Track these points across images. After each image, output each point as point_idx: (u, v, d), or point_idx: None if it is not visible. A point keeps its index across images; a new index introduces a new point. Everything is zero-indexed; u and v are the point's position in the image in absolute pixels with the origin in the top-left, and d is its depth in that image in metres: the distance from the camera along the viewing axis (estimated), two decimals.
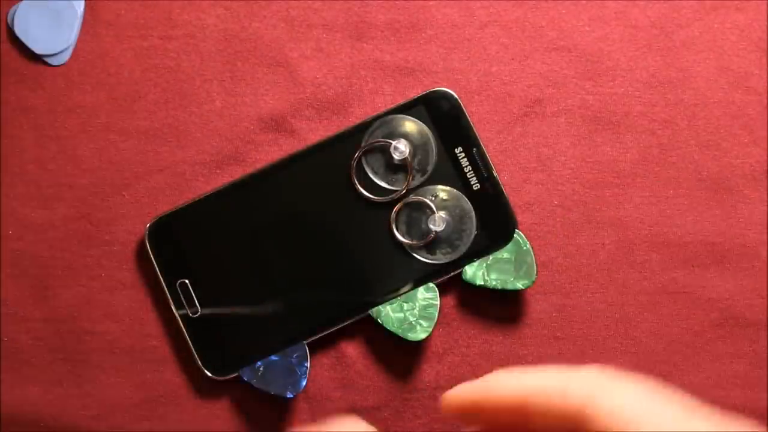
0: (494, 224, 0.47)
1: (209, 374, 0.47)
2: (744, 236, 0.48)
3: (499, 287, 0.47)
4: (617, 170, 0.48)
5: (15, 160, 0.48)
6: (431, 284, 0.47)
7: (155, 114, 0.49)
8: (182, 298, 0.47)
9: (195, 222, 0.48)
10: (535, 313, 0.48)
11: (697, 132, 0.48)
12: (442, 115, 0.47)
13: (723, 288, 0.48)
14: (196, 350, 0.47)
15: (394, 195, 0.47)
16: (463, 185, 0.47)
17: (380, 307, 0.47)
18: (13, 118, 0.49)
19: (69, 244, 0.48)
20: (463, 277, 0.47)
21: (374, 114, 0.48)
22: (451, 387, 0.47)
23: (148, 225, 0.48)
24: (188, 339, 0.47)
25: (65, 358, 0.48)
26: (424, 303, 0.47)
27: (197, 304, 0.47)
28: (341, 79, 0.49)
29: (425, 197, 0.47)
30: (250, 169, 0.48)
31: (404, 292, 0.47)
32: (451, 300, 0.48)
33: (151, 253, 0.47)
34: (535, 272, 0.47)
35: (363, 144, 0.47)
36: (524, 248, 0.47)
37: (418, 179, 0.47)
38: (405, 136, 0.47)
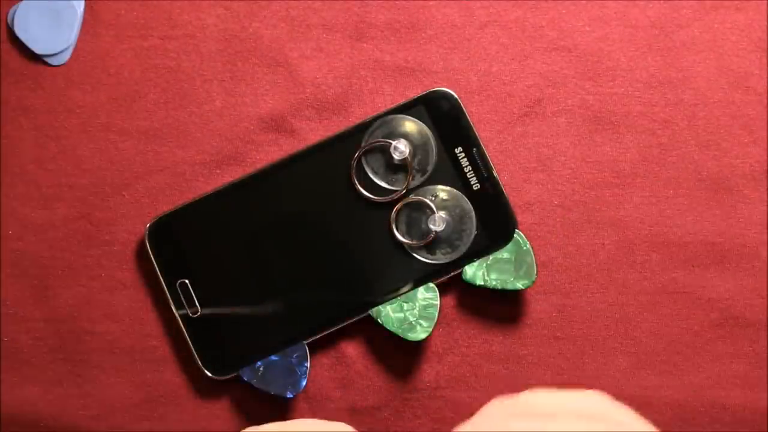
0: (494, 224, 0.47)
1: (209, 374, 0.47)
2: (744, 236, 0.48)
3: (499, 287, 0.47)
4: (617, 170, 0.48)
5: (15, 160, 0.49)
6: (431, 284, 0.47)
7: (155, 114, 0.49)
8: (182, 298, 0.47)
9: (195, 222, 0.48)
10: (535, 313, 0.48)
11: (697, 132, 0.48)
12: (442, 115, 0.47)
13: (723, 288, 0.48)
14: (196, 350, 0.47)
15: (394, 195, 0.47)
16: (463, 185, 0.47)
17: (380, 307, 0.47)
18: (13, 118, 0.49)
19: (69, 244, 0.48)
20: (463, 277, 0.47)
21: (374, 114, 0.48)
22: (450, 387, 0.48)
23: (148, 225, 0.48)
24: (188, 339, 0.47)
25: (65, 358, 0.48)
26: (424, 303, 0.47)
27: (197, 304, 0.47)
28: (341, 79, 0.49)
29: (425, 197, 0.47)
30: (250, 169, 0.48)
31: (404, 292, 0.47)
32: (451, 300, 0.48)
33: (151, 253, 0.47)
34: (535, 272, 0.47)
35: (363, 144, 0.47)
36: (524, 248, 0.47)
37: (418, 179, 0.47)
38: (405, 136, 0.47)
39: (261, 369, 0.47)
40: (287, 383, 0.47)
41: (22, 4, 0.49)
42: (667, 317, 0.48)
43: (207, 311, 0.47)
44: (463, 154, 0.47)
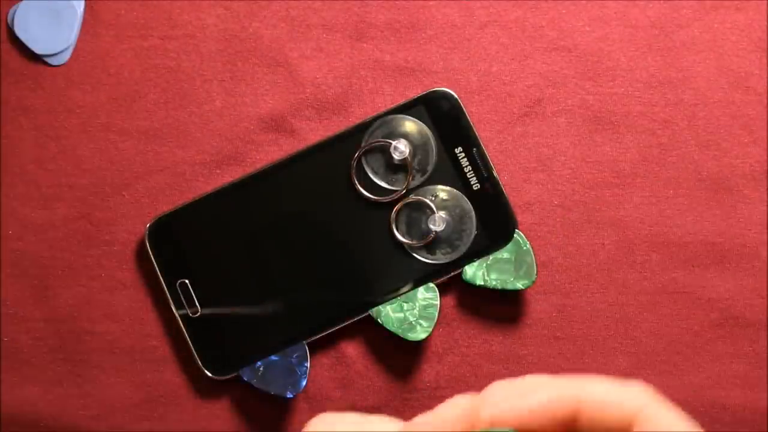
0: (494, 224, 0.47)
1: (209, 374, 0.47)
2: (744, 236, 0.48)
3: (499, 287, 0.47)
4: (617, 170, 0.48)
5: (15, 160, 0.48)
6: (431, 284, 0.47)
7: (155, 114, 0.49)
8: (182, 298, 0.47)
9: (195, 222, 0.48)
10: (535, 313, 0.48)
11: (697, 132, 0.48)
12: (442, 115, 0.47)
13: (723, 288, 0.48)
14: (196, 350, 0.47)
15: (394, 195, 0.47)
16: (463, 185, 0.47)
17: (380, 307, 0.47)
18: (13, 118, 0.49)
19: (69, 244, 0.48)
20: (463, 277, 0.47)
21: (374, 114, 0.48)
22: (451, 387, 0.48)
23: (148, 225, 0.48)
24: (188, 339, 0.47)
25: (65, 358, 0.48)
26: (424, 303, 0.47)
27: (197, 304, 0.47)
28: (341, 79, 0.49)
29: (425, 197, 0.47)
30: (250, 169, 0.48)
31: (404, 292, 0.47)
32: (451, 300, 0.48)
33: (151, 253, 0.47)
34: (535, 272, 0.47)
35: (363, 144, 0.47)
36: (524, 248, 0.47)
37: (418, 179, 0.47)
38: (405, 136, 0.47)
39: (261, 369, 0.47)
40: (287, 383, 0.47)
41: (22, 4, 0.49)
42: (667, 317, 0.48)
43: (207, 311, 0.47)
44: (463, 154, 0.47)
